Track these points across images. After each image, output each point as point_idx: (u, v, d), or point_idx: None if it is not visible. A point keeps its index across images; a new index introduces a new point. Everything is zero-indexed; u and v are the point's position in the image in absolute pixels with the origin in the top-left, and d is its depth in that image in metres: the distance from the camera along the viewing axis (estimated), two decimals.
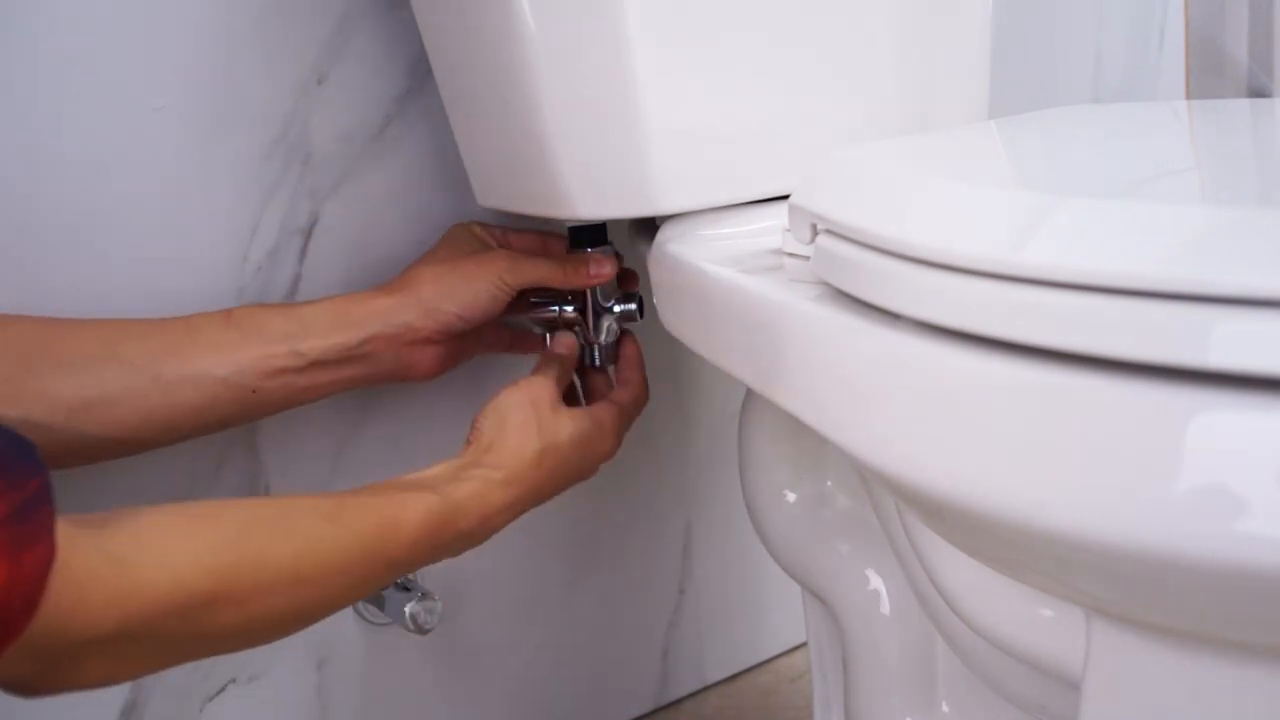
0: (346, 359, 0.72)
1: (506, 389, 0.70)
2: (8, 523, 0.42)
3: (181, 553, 0.49)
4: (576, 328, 0.82)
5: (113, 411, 0.65)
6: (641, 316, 0.82)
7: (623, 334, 0.82)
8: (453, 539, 0.64)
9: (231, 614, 0.51)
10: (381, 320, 0.72)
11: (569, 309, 0.81)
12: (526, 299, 0.81)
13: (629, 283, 0.83)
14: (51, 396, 0.63)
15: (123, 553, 0.47)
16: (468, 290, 0.74)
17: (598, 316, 0.81)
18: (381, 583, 0.61)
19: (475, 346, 0.80)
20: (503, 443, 0.68)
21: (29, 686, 0.47)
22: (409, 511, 0.61)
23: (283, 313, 0.71)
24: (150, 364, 0.66)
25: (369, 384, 0.75)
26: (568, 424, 0.70)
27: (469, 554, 0.90)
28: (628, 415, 0.76)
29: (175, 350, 0.67)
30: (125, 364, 0.65)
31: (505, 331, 0.84)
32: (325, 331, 0.71)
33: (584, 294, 0.81)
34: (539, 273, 0.77)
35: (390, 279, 0.76)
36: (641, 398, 0.79)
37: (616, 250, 0.81)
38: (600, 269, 0.79)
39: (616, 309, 0.81)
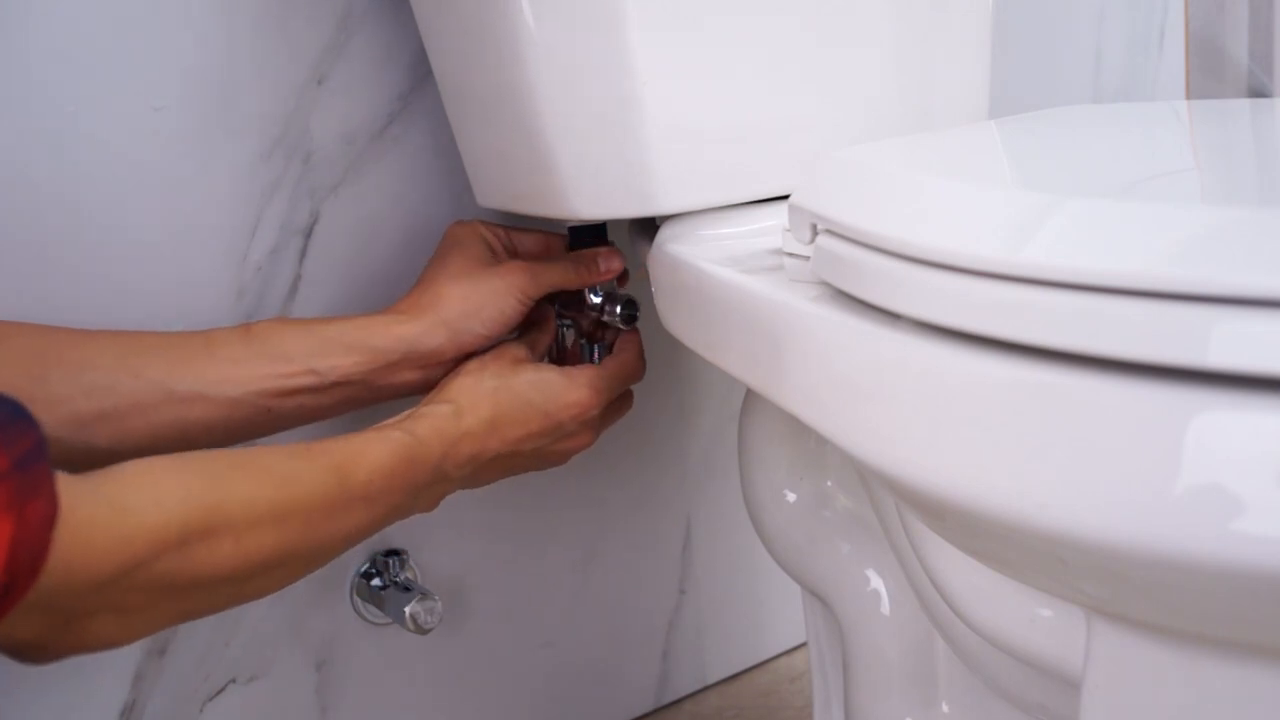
0: (365, 381, 0.71)
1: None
2: (9, 476, 0.42)
3: (174, 491, 0.50)
4: (570, 324, 0.82)
5: (123, 424, 0.64)
6: (636, 319, 0.81)
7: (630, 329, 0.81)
8: (423, 474, 0.64)
9: (227, 549, 0.52)
10: (408, 345, 0.71)
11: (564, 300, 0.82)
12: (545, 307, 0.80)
13: (622, 281, 0.83)
14: (62, 407, 0.62)
15: (120, 497, 0.48)
16: (493, 308, 0.73)
17: (595, 316, 0.81)
18: (362, 526, 0.61)
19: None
20: (456, 382, 0.68)
21: (40, 649, 0.48)
22: (372, 445, 0.61)
23: (303, 330, 0.70)
24: (164, 378, 0.65)
25: (387, 400, 0.74)
26: (528, 370, 0.70)
27: (470, 553, 0.91)
28: (610, 377, 0.75)
29: (190, 364, 0.66)
30: (138, 376, 0.64)
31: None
32: (346, 352, 0.69)
33: (582, 294, 0.81)
34: (556, 278, 0.76)
35: (409, 294, 0.74)
36: (630, 367, 0.77)
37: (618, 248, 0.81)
38: (610, 263, 0.78)
39: (616, 309, 0.81)
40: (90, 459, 0.63)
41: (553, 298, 0.80)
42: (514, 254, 0.79)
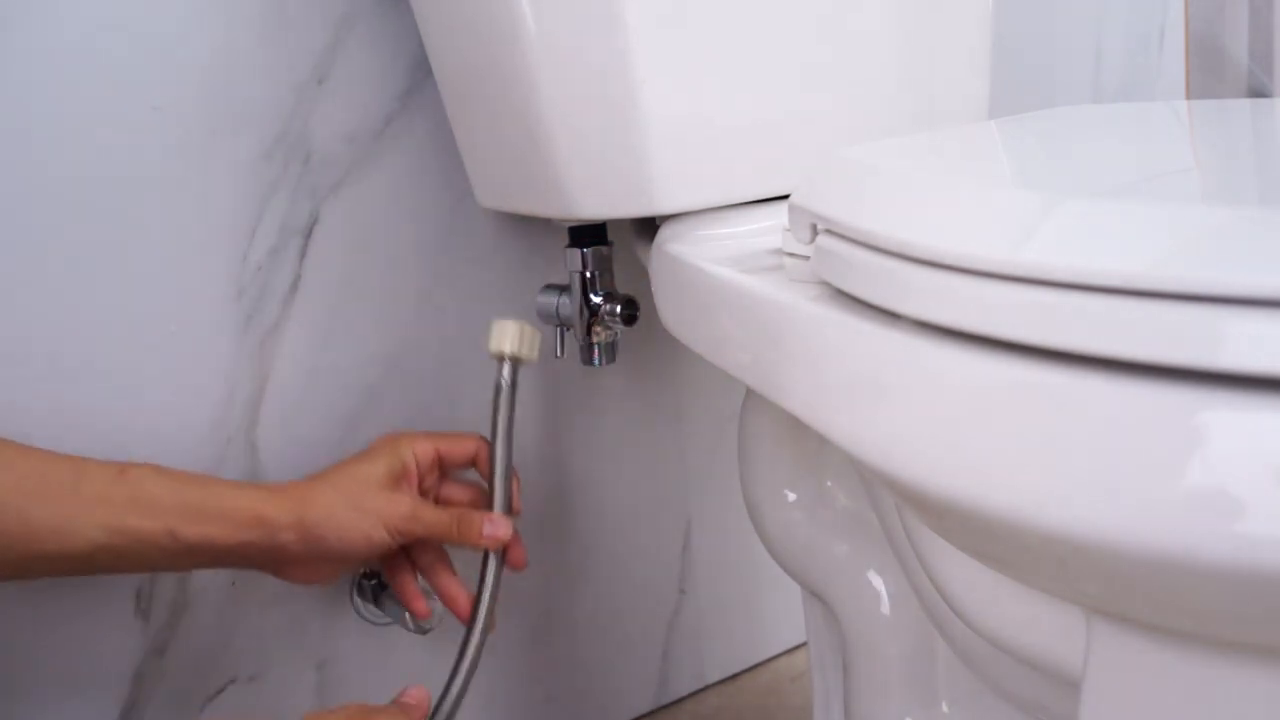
0: (218, 552, 0.70)
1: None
2: None
3: None
4: (571, 327, 0.83)
5: None
6: (636, 319, 0.82)
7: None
8: None
9: None
10: (257, 531, 0.70)
11: (565, 301, 0.82)
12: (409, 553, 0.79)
13: (515, 554, 0.80)
14: None
15: None
16: (355, 530, 0.72)
17: (591, 316, 0.81)
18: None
19: (367, 565, 0.79)
20: None
21: None
22: None
23: (175, 485, 0.68)
24: (24, 502, 0.64)
25: (237, 568, 0.74)
26: None
27: (470, 554, 0.91)
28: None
29: (56, 496, 0.65)
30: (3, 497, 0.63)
31: (410, 574, 0.81)
32: (208, 520, 0.68)
33: (580, 293, 0.81)
34: (434, 527, 0.75)
35: (303, 480, 0.73)
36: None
37: (510, 508, 0.78)
38: (495, 531, 0.76)
39: (616, 309, 0.82)
40: None
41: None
42: (440, 466, 0.78)
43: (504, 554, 0.78)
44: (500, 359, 0.79)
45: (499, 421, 0.78)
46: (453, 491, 0.80)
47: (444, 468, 0.79)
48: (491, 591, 0.77)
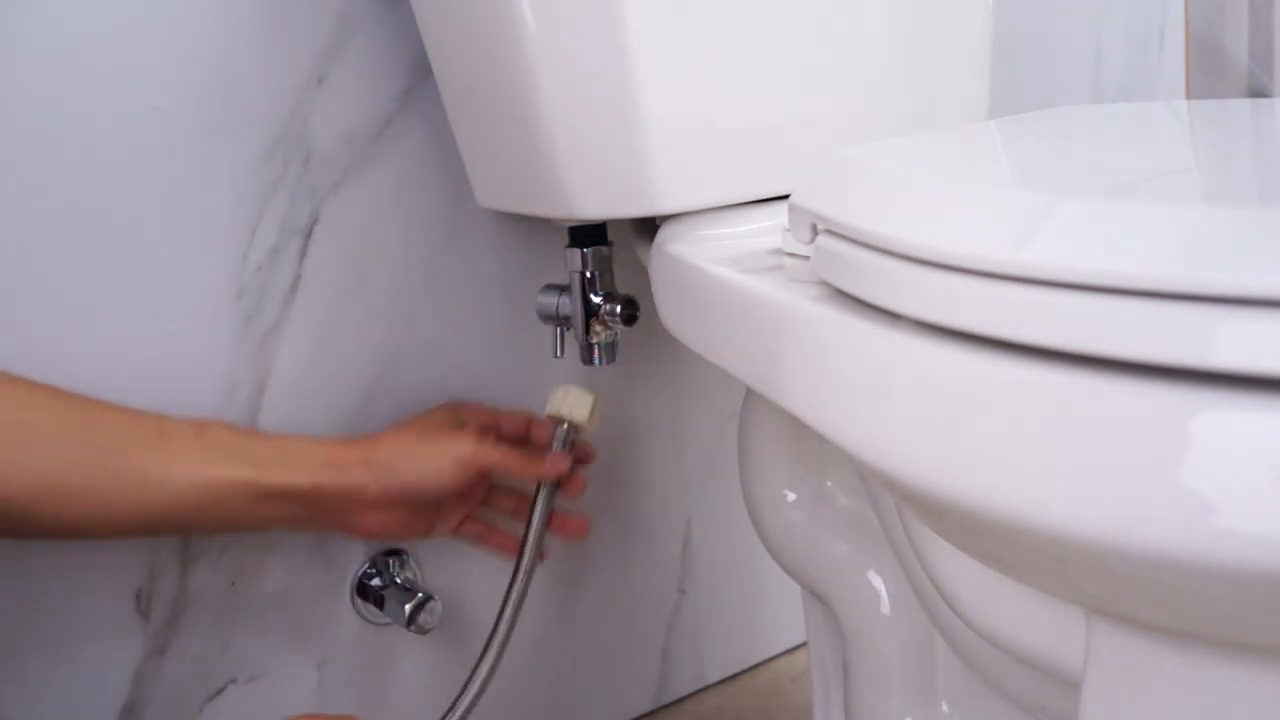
0: (296, 498, 0.72)
1: None
2: None
3: None
4: (571, 327, 0.83)
5: (69, 500, 0.65)
6: (636, 319, 0.82)
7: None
8: None
9: None
10: (333, 471, 0.73)
11: (565, 301, 0.82)
12: (469, 502, 0.83)
13: (572, 527, 0.85)
14: (17, 474, 0.64)
15: None
16: (424, 461, 0.75)
17: (591, 316, 0.81)
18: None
19: (436, 525, 0.81)
20: None
21: None
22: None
23: (251, 437, 0.72)
24: (113, 458, 0.66)
25: (317, 529, 0.76)
26: None
27: (470, 553, 0.91)
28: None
29: (142, 449, 0.67)
30: (92, 452, 0.66)
31: (474, 522, 0.84)
32: (285, 466, 0.71)
33: (580, 293, 0.81)
34: (499, 459, 0.78)
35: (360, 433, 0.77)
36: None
37: (576, 439, 0.83)
38: (556, 466, 0.80)
39: (616, 309, 0.82)
40: (31, 528, 0.66)
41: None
42: (496, 432, 0.82)
43: (556, 487, 0.82)
44: (558, 423, 0.83)
45: (542, 488, 0.83)
46: (509, 422, 0.84)
47: (499, 435, 0.83)
48: (542, 520, 0.82)
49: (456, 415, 0.81)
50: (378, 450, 0.75)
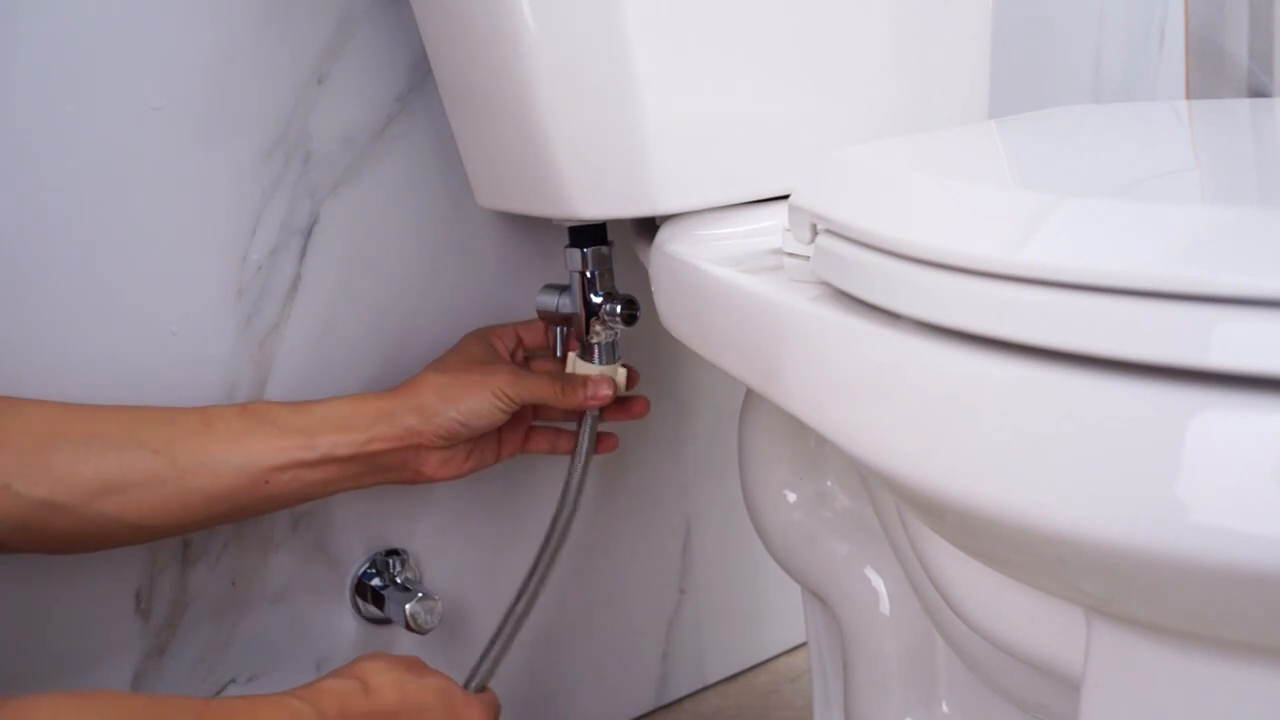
0: (354, 456, 0.73)
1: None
2: None
3: None
4: (570, 327, 0.83)
5: (132, 495, 0.66)
6: (636, 319, 0.81)
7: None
8: None
9: None
10: (385, 421, 0.74)
11: (565, 301, 0.82)
12: (529, 420, 0.84)
13: (635, 407, 0.86)
14: (73, 477, 0.64)
15: None
16: (469, 399, 0.76)
17: (591, 316, 0.81)
18: None
19: (494, 452, 0.82)
20: (364, 664, 0.69)
21: None
22: (271, 710, 0.63)
23: (295, 408, 0.73)
24: (167, 448, 0.68)
25: (382, 482, 0.77)
26: (434, 675, 0.71)
27: (470, 553, 0.91)
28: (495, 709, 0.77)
29: (191, 437, 0.69)
30: (144, 447, 0.67)
31: (532, 433, 0.84)
32: (335, 428, 0.72)
33: (580, 293, 0.81)
34: (538, 390, 0.78)
35: (401, 382, 0.78)
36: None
37: (621, 364, 0.83)
38: (598, 391, 0.81)
39: (616, 309, 0.81)
40: (98, 530, 0.66)
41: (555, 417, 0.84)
42: (519, 345, 0.84)
43: (600, 413, 0.83)
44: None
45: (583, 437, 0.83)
46: (529, 334, 0.85)
47: (525, 348, 0.84)
48: (587, 453, 0.83)
49: (484, 341, 0.82)
50: (422, 393, 0.75)
